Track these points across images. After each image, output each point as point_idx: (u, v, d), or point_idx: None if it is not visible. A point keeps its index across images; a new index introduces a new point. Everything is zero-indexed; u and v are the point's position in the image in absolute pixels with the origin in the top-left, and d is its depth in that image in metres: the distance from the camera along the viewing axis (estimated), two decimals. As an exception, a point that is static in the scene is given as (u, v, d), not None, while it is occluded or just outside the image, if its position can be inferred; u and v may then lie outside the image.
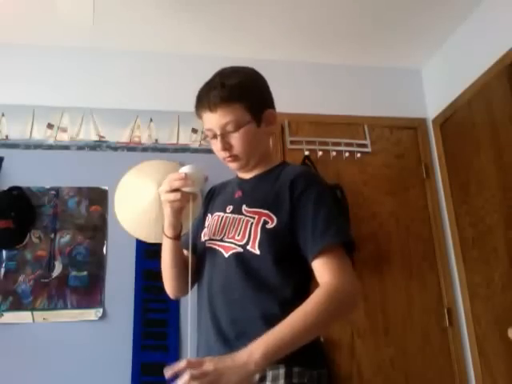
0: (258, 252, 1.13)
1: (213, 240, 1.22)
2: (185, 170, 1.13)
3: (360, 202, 2.58)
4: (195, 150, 2.53)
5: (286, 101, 2.69)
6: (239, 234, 1.17)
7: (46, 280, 2.23)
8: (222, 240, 1.20)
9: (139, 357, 2.18)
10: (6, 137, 2.41)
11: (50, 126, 2.47)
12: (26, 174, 2.35)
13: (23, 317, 2.18)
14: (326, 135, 2.67)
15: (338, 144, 2.67)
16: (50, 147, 2.44)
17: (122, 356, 2.17)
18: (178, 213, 1.18)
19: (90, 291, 2.24)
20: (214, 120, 1.19)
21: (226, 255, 1.16)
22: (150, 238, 2.30)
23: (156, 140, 2.53)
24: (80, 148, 2.46)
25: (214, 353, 1.03)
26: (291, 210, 1.14)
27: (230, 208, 1.24)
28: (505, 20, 2.24)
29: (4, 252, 2.25)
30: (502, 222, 2.22)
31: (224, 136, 1.20)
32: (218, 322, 1.12)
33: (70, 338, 2.17)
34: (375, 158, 2.71)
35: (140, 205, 2.34)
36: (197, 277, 1.25)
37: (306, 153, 2.57)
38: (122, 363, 2.16)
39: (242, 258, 1.14)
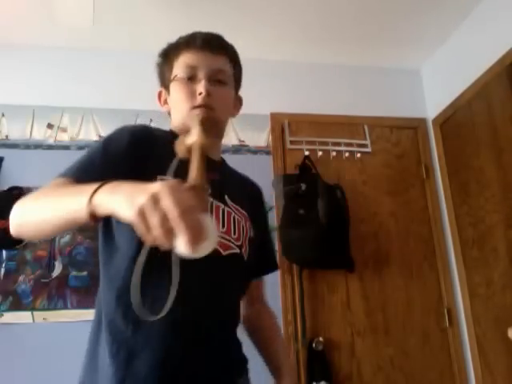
0: (245, 258, 1.06)
1: None
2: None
3: (360, 201, 2.58)
4: (195, 150, 2.53)
5: (286, 101, 2.71)
6: (235, 232, 1.03)
7: (46, 280, 2.23)
8: None
9: (139, 357, 2.18)
10: (6, 137, 2.41)
11: (50, 126, 2.47)
12: (25, 173, 2.35)
13: (23, 317, 2.17)
14: (326, 135, 2.67)
15: (338, 144, 2.67)
16: (50, 147, 2.44)
17: (122, 356, 2.16)
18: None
19: (90, 291, 2.24)
20: (207, 60, 1.05)
21: (224, 253, 0.99)
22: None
23: (156, 140, 2.53)
24: (80, 148, 2.46)
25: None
26: (260, 226, 1.17)
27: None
28: (505, 20, 2.24)
29: (4, 252, 2.25)
30: (502, 222, 2.22)
31: (209, 81, 1.05)
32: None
33: (69, 338, 2.17)
34: (375, 158, 2.71)
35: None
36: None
37: (306, 153, 2.57)
38: (122, 363, 2.16)
39: (239, 261, 1.03)
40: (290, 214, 2.35)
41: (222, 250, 0.98)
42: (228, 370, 0.99)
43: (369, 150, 2.71)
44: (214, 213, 0.99)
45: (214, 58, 1.06)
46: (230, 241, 1.01)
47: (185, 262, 0.75)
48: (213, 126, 1.02)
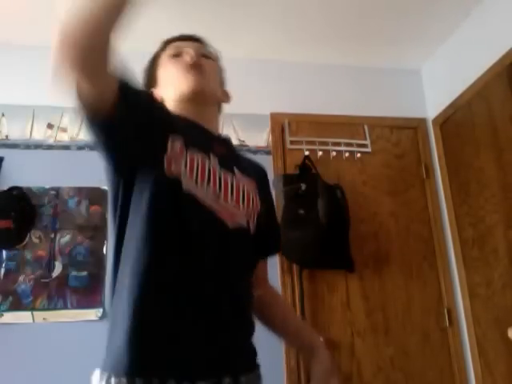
0: (251, 231, 1.02)
1: (203, 193, 0.92)
2: None
3: (360, 201, 2.58)
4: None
5: (286, 101, 2.71)
6: (243, 201, 0.99)
7: (46, 280, 2.23)
8: (218, 201, 0.94)
9: (139, 357, 2.18)
10: (6, 137, 2.41)
11: (50, 126, 2.47)
12: (25, 174, 2.35)
13: (23, 317, 2.18)
14: (326, 135, 2.67)
15: (338, 144, 2.67)
16: (50, 147, 2.44)
17: (122, 356, 2.16)
18: None
19: (90, 291, 2.24)
20: (192, 45, 1.11)
21: (231, 226, 0.95)
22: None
23: (156, 140, 2.53)
24: (80, 148, 2.46)
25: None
26: (267, 204, 1.14)
27: (214, 158, 0.98)
28: (505, 20, 2.24)
29: (4, 252, 2.25)
30: (502, 222, 2.22)
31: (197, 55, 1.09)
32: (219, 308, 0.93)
33: (69, 338, 2.17)
34: (375, 158, 2.71)
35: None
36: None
37: (306, 153, 2.57)
38: (122, 363, 2.15)
39: (246, 237, 0.99)
40: (289, 214, 2.35)
41: (229, 223, 0.94)
42: (246, 355, 0.96)
43: (369, 150, 2.71)
44: (223, 181, 0.96)
45: (197, 44, 1.12)
46: (238, 209, 0.98)
47: (192, 240, 0.86)
48: (203, 91, 1.06)
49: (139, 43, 2.61)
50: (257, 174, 1.15)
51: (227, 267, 0.93)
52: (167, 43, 1.14)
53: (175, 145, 0.92)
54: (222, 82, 1.19)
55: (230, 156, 1.07)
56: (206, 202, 0.92)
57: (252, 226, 1.02)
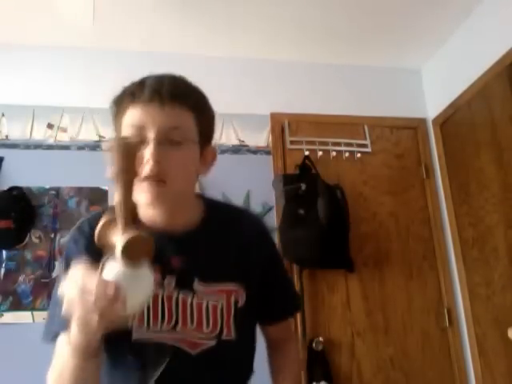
0: (233, 337, 0.94)
1: (157, 332, 0.90)
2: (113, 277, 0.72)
3: (360, 202, 2.58)
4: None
5: (286, 101, 2.71)
6: (208, 323, 0.92)
7: (46, 280, 2.23)
8: (174, 331, 0.91)
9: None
10: (6, 137, 2.41)
11: (50, 125, 2.47)
12: (25, 174, 2.35)
13: (23, 317, 2.18)
14: (326, 135, 2.67)
15: (338, 144, 2.67)
16: (50, 147, 2.44)
17: (122, 356, 2.16)
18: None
19: (90, 291, 2.24)
20: (157, 116, 0.86)
21: (193, 353, 0.91)
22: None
23: (156, 140, 2.53)
24: (80, 148, 2.46)
25: None
26: (261, 275, 1.00)
27: (170, 279, 0.91)
28: (505, 20, 2.24)
29: (4, 252, 2.25)
30: (502, 222, 2.22)
31: (160, 144, 0.85)
32: None
33: (70, 338, 2.17)
34: (375, 158, 2.71)
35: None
36: None
37: (306, 153, 2.57)
38: (122, 363, 2.15)
39: (217, 354, 0.93)
40: (289, 214, 2.35)
41: (190, 350, 0.91)
42: None
43: (369, 150, 2.71)
44: (181, 309, 0.91)
45: (165, 113, 0.86)
46: (201, 338, 0.92)
47: (152, 369, 0.86)
48: (163, 201, 0.88)
49: (140, 43, 2.62)
50: (242, 249, 1.00)
51: None
52: (129, 101, 0.94)
53: None
54: (205, 138, 0.95)
55: (192, 260, 0.93)
56: (163, 343, 0.90)
57: (230, 332, 0.93)
